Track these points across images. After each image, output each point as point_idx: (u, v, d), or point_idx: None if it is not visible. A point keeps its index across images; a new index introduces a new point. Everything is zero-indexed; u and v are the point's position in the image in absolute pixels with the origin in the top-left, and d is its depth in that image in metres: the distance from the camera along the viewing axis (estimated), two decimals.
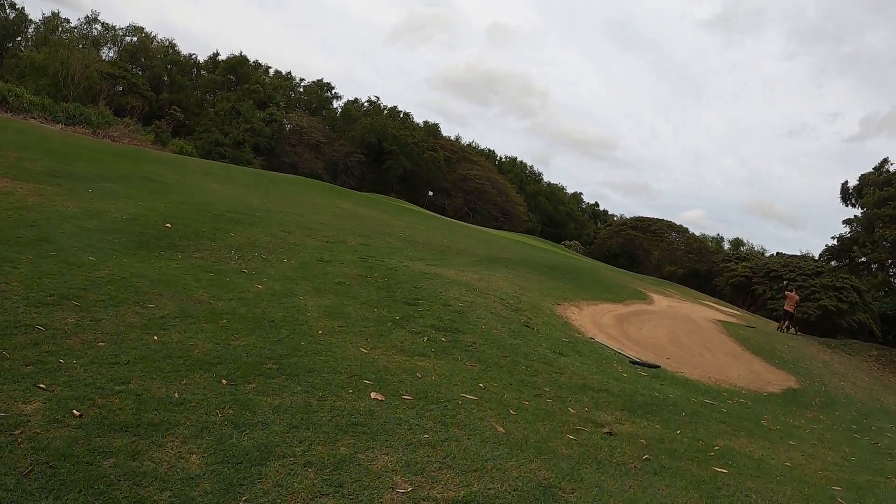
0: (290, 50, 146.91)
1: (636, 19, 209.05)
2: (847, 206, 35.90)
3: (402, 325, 8.63)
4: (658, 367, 10.54)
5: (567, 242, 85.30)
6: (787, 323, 26.53)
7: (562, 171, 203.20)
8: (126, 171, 20.05)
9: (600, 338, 12.23)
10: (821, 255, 41.71)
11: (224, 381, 5.25)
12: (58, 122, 51.95)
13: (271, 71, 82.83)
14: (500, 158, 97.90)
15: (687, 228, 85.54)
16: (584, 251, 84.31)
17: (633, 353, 11.20)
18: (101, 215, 11.71)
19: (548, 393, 7.26)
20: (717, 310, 32.22)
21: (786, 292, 28.99)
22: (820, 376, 16.47)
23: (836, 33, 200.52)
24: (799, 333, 27.33)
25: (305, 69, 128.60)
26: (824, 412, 11.94)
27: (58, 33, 73.33)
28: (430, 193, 67.48)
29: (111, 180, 16.65)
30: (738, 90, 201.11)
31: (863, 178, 33.95)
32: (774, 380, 13.88)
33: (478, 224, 63.65)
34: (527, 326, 10.65)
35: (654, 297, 27.41)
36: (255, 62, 77.72)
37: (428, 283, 12.10)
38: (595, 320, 14.88)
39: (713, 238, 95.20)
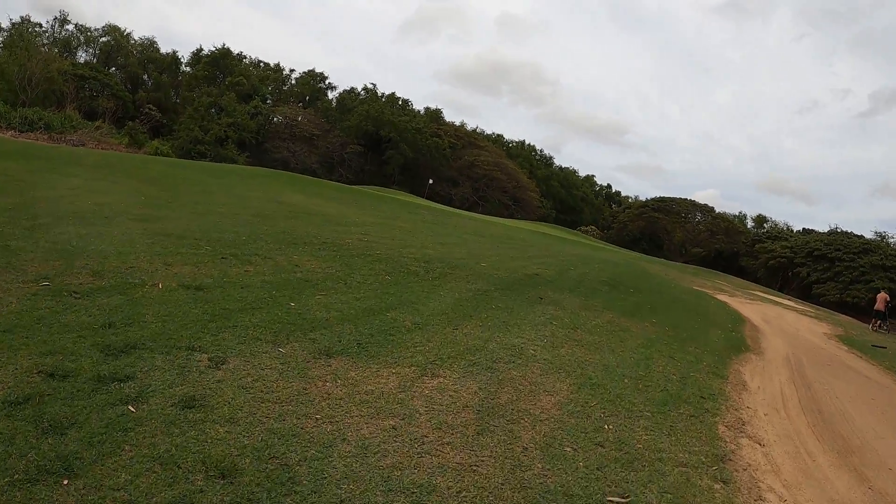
0: (296, 51, 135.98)
1: (643, 3, 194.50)
2: None
3: None
4: None
5: (583, 228, 74.47)
6: (878, 322, 24.26)
7: (574, 157, 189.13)
8: None
9: None
10: None
11: None
12: (11, 129, 42.67)
13: (261, 64, 72.84)
14: (509, 143, 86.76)
15: (713, 208, 74.30)
16: (601, 236, 73.75)
17: None
18: None
19: None
20: (800, 312, 24.57)
21: (878, 296, 26.18)
22: None
23: (845, 13, 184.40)
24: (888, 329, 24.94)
25: (310, 67, 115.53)
26: None
27: (27, 37, 63.69)
28: (431, 182, 56.16)
29: None
30: (746, 70, 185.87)
31: None
32: None
33: (488, 214, 53.20)
34: None
35: (736, 306, 18.21)
36: (239, 54, 67.51)
37: None
38: None
39: (735, 216, 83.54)
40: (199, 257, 7.78)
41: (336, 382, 4.18)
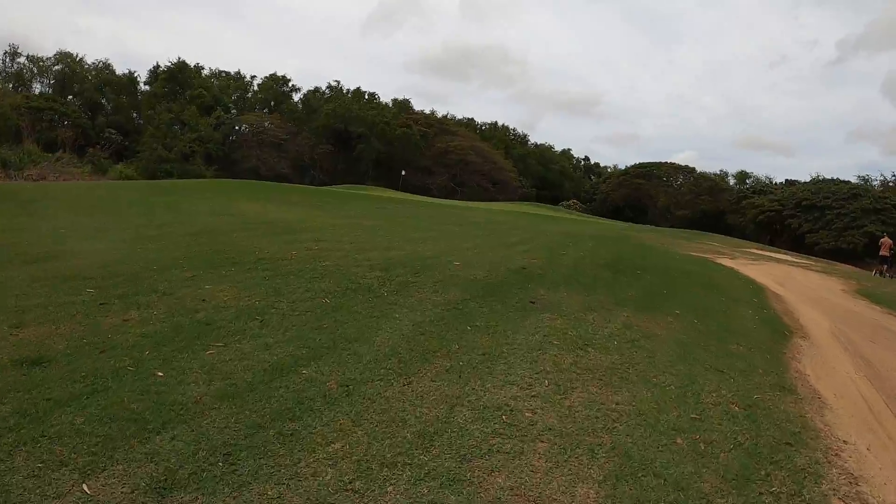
0: (260, 60, 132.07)
1: None
2: None
3: None
4: None
5: (565, 203, 72.23)
6: (884, 267, 24.37)
7: (549, 133, 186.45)
8: None
9: None
10: None
11: None
12: None
13: (222, 73, 69.73)
14: (481, 126, 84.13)
15: (694, 168, 72.43)
16: (584, 209, 71.59)
17: None
18: None
19: None
20: (804, 267, 22.71)
21: (881, 241, 26.23)
22: None
23: None
24: (892, 275, 24.61)
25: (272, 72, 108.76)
26: None
27: None
28: (403, 173, 53.42)
29: None
30: (714, 31, 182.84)
31: None
32: None
33: (468, 199, 50.86)
34: None
35: (744, 271, 16.14)
36: (197, 65, 64.31)
37: None
38: None
39: (716, 175, 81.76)
40: (68, 308, 5.55)
41: None
